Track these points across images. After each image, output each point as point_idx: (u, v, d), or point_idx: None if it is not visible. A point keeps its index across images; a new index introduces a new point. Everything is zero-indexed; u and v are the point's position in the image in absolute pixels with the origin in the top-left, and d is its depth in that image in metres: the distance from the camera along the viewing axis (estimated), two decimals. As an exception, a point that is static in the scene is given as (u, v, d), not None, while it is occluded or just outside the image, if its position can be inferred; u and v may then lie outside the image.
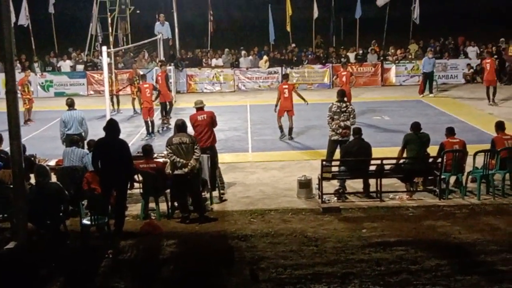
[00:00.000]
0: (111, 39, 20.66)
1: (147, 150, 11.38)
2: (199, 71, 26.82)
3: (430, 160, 12.07)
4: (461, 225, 10.20)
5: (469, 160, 11.89)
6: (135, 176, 11.10)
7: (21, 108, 16.85)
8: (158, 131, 18.47)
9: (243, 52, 27.73)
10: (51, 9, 28.50)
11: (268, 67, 26.61)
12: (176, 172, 10.67)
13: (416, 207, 11.26)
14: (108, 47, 17.55)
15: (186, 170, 10.57)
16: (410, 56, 27.52)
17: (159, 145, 14.86)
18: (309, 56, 28.09)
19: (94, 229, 10.00)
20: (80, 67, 27.12)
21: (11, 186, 9.61)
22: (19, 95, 13.40)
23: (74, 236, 9.97)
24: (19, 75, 18.84)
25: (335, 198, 11.78)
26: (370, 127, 17.75)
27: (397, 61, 27.01)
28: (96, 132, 13.64)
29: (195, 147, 10.71)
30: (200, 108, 12.33)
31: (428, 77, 23.88)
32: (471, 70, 26.72)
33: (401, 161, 12.05)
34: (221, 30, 35.28)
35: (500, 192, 11.74)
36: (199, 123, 12.09)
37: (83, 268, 8.85)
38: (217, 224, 10.62)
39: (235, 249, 9.45)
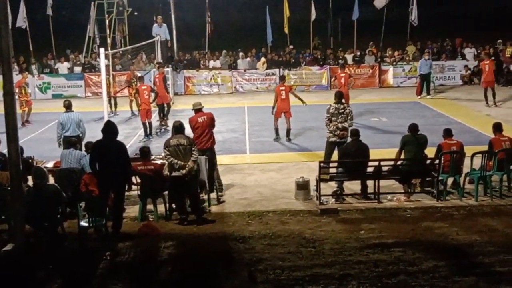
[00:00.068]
0: (108, 41, 20.66)
1: (145, 152, 11.37)
2: (197, 73, 26.82)
3: (428, 161, 12.08)
4: (458, 227, 10.21)
5: (467, 161, 11.92)
6: (133, 178, 11.09)
7: (18, 110, 16.91)
8: (156, 133, 18.46)
9: (240, 54, 27.76)
10: (49, 11, 28.47)
11: (266, 69, 26.62)
12: (173, 174, 10.67)
13: (414, 208, 11.26)
14: (106, 49, 17.53)
15: (183, 172, 10.58)
16: (407, 58, 27.57)
17: (157, 147, 14.85)
18: (307, 57, 28.13)
19: (92, 231, 9.99)
20: (77, 69, 27.11)
21: (9, 188, 9.59)
22: (16, 97, 13.39)
23: (72, 238, 9.95)
24: (16, 77, 18.80)
25: (333, 200, 11.78)
26: (367, 129, 17.76)
27: (394, 63, 27.04)
28: (94, 134, 13.63)
29: (193, 148, 10.71)
30: (199, 110, 12.31)
31: (425, 79, 23.91)
32: (469, 72, 26.77)
33: (399, 162, 12.06)
34: (219, 31, 35.26)
35: (497, 194, 11.76)
36: (200, 124, 12.08)
37: (81, 270, 8.84)
38: (215, 225, 10.62)
39: (233, 251, 9.45)
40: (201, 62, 27.95)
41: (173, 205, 11.12)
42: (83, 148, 12.48)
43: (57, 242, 9.68)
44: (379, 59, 27.37)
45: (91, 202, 10.07)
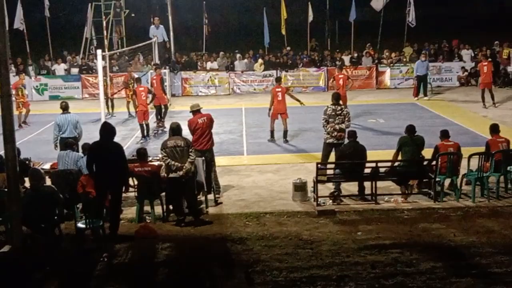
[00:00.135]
0: (106, 42, 20.66)
1: (142, 154, 11.36)
2: (194, 74, 26.83)
3: (425, 162, 12.09)
4: (456, 228, 10.22)
5: (464, 162, 11.92)
6: (130, 180, 11.08)
7: (15, 111, 16.88)
8: (153, 134, 18.44)
9: (238, 55, 27.78)
10: (46, 13, 28.45)
11: (263, 70, 26.64)
12: (171, 175, 10.66)
13: (411, 209, 11.27)
14: (103, 51, 17.51)
15: (181, 173, 10.57)
16: (404, 59, 27.60)
17: (154, 148, 14.87)
18: (304, 59, 28.14)
19: (89, 233, 9.97)
20: (74, 70, 27.09)
21: (6, 189, 9.57)
22: (13, 98, 13.36)
23: (69, 239, 9.94)
24: (13, 79, 18.78)
25: (330, 201, 11.78)
26: (365, 130, 17.78)
27: (391, 64, 27.09)
28: (91, 135, 13.64)
29: (190, 150, 10.71)
30: (197, 111, 12.30)
31: (422, 80, 23.94)
32: (465, 73, 26.82)
33: (396, 163, 12.07)
34: (216, 33, 35.27)
35: (494, 195, 11.77)
36: (200, 126, 12.07)
37: (78, 272, 8.83)
38: (212, 227, 10.61)
39: (230, 252, 9.45)
40: (199, 63, 27.95)
41: (170, 207, 11.11)
42: (80, 150, 12.48)
43: (54, 244, 9.67)
44: (376, 61, 27.41)
45: (88, 204, 10.05)
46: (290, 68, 26.92)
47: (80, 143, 12.98)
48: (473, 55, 27.69)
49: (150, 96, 18.46)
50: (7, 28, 9.59)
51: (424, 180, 12.06)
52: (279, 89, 17.10)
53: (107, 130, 10.25)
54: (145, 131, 17.87)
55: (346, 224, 10.60)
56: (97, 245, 9.76)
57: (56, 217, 9.77)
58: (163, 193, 11.12)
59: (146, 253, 9.57)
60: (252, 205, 11.73)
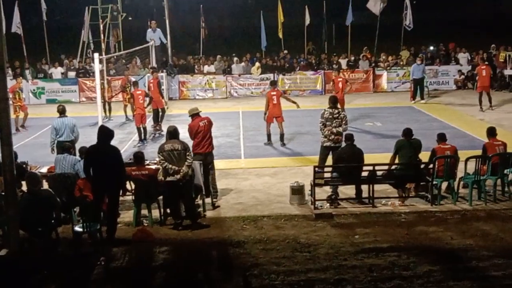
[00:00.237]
0: (103, 46, 20.68)
1: (139, 157, 11.35)
2: (191, 78, 26.84)
3: (422, 166, 12.10)
4: (453, 231, 10.23)
5: (461, 166, 11.94)
6: (127, 183, 11.07)
7: (12, 115, 16.86)
8: (151, 137, 18.43)
9: (235, 59, 27.79)
10: (43, 16, 28.44)
11: (260, 74, 26.65)
12: (168, 179, 10.66)
13: (408, 213, 11.28)
14: (100, 54, 17.51)
15: (178, 176, 10.57)
16: (401, 63, 27.64)
17: (152, 152, 14.83)
18: (301, 62, 28.17)
19: (86, 236, 9.97)
20: (71, 74, 27.08)
21: (3, 193, 9.56)
22: (10, 102, 13.37)
23: (66, 243, 9.93)
24: (10, 82, 18.78)
25: (328, 204, 11.78)
26: (362, 133, 17.80)
27: (388, 68, 27.12)
28: (89, 139, 13.63)
29: (187, 153, 10.70)
30: (197, 114, 12.28)
31: (418, 84, 24.00)
32: (462, 76, 26.87)
33: (393, 167, 12.07)
34: (213, 36, 35.32)
35: (491, 198, 11.78)
36: (202, 129, 12.06)
37: (75, 276, 8.82)
38: (210, 230, 10.60)
39: (228, 256, 9.45)
40: (196, 67, 27.97)
41: (168, 210, 11.11)
42: (77, 153, 12.46)
43: (51, 247, 9.65)
44: (373, 64, 27.44)
45: (85, 207, 10.05)
46: (287, 72, 26.95)
47: (77, 147, 12.95)
48: (469, 58, 27.76)
49: (147, 99, 18.47)
50: (4, 32, 9.59)
51: (421, 183, 12.07)
52: (274, 93, 17.12)
53: (105, 134, 10.24)
54: (143, 135, 17.86)
55: (344, 227, 10.61)
56: (94, 248, 9.75)
57: (53, 221, 9.75)
58: (161, 197, 11.11)
59: (144, 257, 9.57)
60: (249, 208, 11.73)
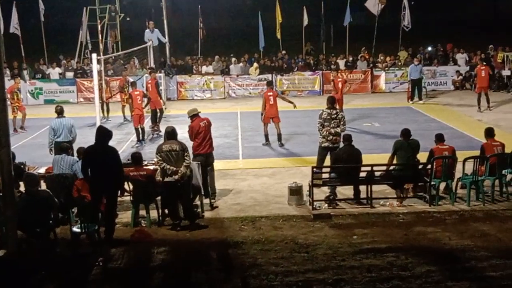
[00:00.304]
0: (101, 46, 20.68)
1: (136, 158, 11.33)
2: (189, 78, 26.84)
3: (420, 166, 12.11)
4: (451, 231, 10.23)
5: (459, 166, 11.94)
6: (125, 184, 11.06)
7: (10, 116, 16.83)
8: (149, 138, 18.41)
9: (233, 59, 27.80)
10: (41, 17, 28.42)
11: (259, 74, 26.65)
12: (166, 179, 10.65)
13: (407, 213, 11.28)
14: (98, 55, 17.50)
15: (176, 177, 10.56)
16: (399, 63, 27.66)
17: (150, 152, 14.84)
18: (299, 63, 28.18)
19: (84, 237, 9.95)
20: (69, 74, 27.05)
21: (0, 194, 9.54)
22: (8, 102, 13.34)
23: (64, 244, 9.91)
24: (8, 82, 18.75)
25: (326, 205, 11.79)
26: (360, 134, 17.80)
27: (386, 68, 27.14)
28: (87, 139, 13.62)
29: (185, 154, 10.69)
30: (196, 115, 12.27)
31: (416, 84, 24.02)
32: (460, 77, 26.91)
33: (391, 167, 12.08)
34: (212, 37, 35.29)
35: (489, 198, 11.80)
36: (202, 129, 12.06)
37: (73, 276, 8.81)
38: (208, 231, 10.60)
39: (226, 256, 9.44)
40: (194, 67, 27.97)
41: (166, 211, 11.10)
42: (75, 154, 12.45)
43: (49, 248, 9.64)
44: (371, 65, 27.46)
45: (83, 208, 10.03)
46: (285, 72, 26.96)
47: (75, 147, 12.94)
48: (467, 59, 27.80)
49: (145, 100, 18.46)
50: (2, 32, 9.58)
51: (419, 183, 12.08)
52: (271, 93, 17.15)
53: (103, 134, 10.23)
54: (141, 135, 17.85)
55: (342, 228, 10.61)
56: (92, 249, 9.73)
57: (51, 222, 9.74)
58: (159, 197, 11.10)
59: (142, 257, 9.56)
60: (247, 209, 11.73)
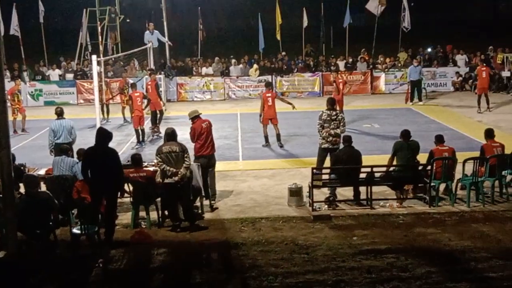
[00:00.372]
0: (101, 48, 20.71)
1: (136, 159, 11.33)
2: (189, 80, 26.85)
3: (420, 167, 12.11)
4: (451, 232, 10.24)
5: (459, 167, 11.95)
6: (125, 185, 11.06)
7: (10, 117, 16.84)
8: (149, 139, 18.42)
9: (233, 61, 27.83)
10: (41, 19, 28.45)
11: (258, 76, 26.66)
12: (166, 180, 10.65)
13: (407, 214, 11.28)
14: (98, 56, 17.50)
15: (176, 178, 10.56)
16: (399, 64, 27.68)
17: (150, 154, 14.85)
18: (299, 64, 28.20)
19: (84, 238, 9.94)
20: (69, 76, 27.07)
21: (0, 195, 9.54)
22: (8, 104, 13.35)
23: (64, 245, 9.91)
24: (8, 84, 18.75)
25: (326, 206, 11.78)
26: (360, 135, 17.81)
27: (386, 69, 27.15)
28: (87, 141, 13.62)
29: (185, 155, 10.69)
30: (197, 117, 12.25)
31: (415, 85, 24.02)
32: (460, 78, 26.92)
33: (391, 168, 12.08)
34: (211, 38, 35.34)
35: (489, 199, 11.79)
36: (205, 130, 12.04)
37: (73, 278, 8.81)
38: (208, 232, 10.60)
39: (226, 258, 9.45)
40: (194, 69, 27.99)
41: (166, 212, 11.10)
42: (75, 155, 12.45)
43: (49, 250, 9.64)
44: (371, 66, 27.48)
45: (83, 209, 10.03)
46: (285, 74, 26.97)
47: (75, 149, 12.94)
48: (467, 60, 27.81)
49: (145, 101, 18.48)
50: (2, 34, 9.59)
51: (419, 185, 12.08)
52: (269, 94, 17.16)
53: (103, 135, 10.23)
54: (141, 137, 17.85)
55: (342, 229, 10.60)
56: (92, 251, 9.73)
57: (51, 223, 9.74)
58: (159, 199, 11.11)
59: (142, 259, 9.56)
60: (247, 210, 11.73)
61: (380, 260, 9.01)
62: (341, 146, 12.46)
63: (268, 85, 18.40)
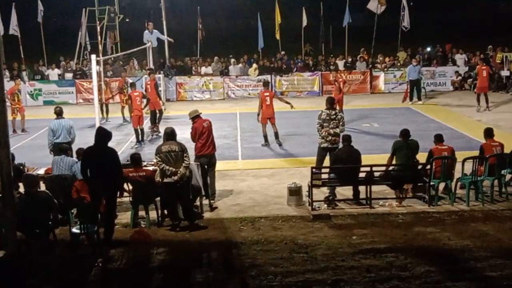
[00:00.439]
0: (100, 47, 20.71)
1: (135, 159, 11.33)
2: (188, 79, 26.85)
3: (419, 167, 12.11)
4: (450, 232, 10.24)
5: (458, 166, 11.95)
6: (125, 185, 11.06)
7: (9, 117, 16.84)
8: (148, 139, 18.41)
9: (232, 60, 27.83)
10: (40, 18, 28.45)
11: (258, 75, 26.66)
12: (165, 180, 10.65)
13: (406, 213, 11.28)
14: (97, 56, 17.50)
15: (175, 178, 10.56)
16: (398, 64, 27.68)
17: (149, 153, 14.85)
18: (298, 64, 28.20)
19: (84, 238, 9.95)
20: (68, 76, 27.07)
21: (0, 195, 9.55)
22: (8, 104, 13.35)
23: (64, 245, 9.91)
24: (7, 84, 18.75)
25: (325, 205, 11.79)
26: (359, 134, 17.81)
27: (386, 69, 27.15)
28: (86, 140, 13.62)
29: (185, 155, 10.69)
30: (198, 116, 12.26)
31: (414, 85, 24.03)
32: (459, 78, 26.93)
33: (391, 168, 12.08)
34: (211, 38, 35.31)
35: (488, 199, 11.80)
36: (206, 129, 12.06)
37: (73, 277, 8.80)
38: (207, 232, 10.60)
39: (225, 257, 9.45)
40: (193, 68, 27.98)
41: (165, 212, 11.10)
42: (74, 155, 12.45)
43: (48, 249, 9.64)
44: (370, 65, 27.48)
45: (83, 209, 10.03)
46: (285, 73, 26.98)
47: (74, 148, 12.95)
48: (466, 59, 27.83)
49: (144, 101, 18.48)
50: (1, 34, 9.59)
51: (419, 184, 12.08)
52: (267, 94, 17.19)
53: (102, 135, 10.22)
54: (140, 136, 17.85)
55: (341, 228, 10.61)
56: (91, 250, 9.73)
57: (50, 223, 9.75)
58: (158, 198, 11.11)
59: (141, 258, 9.56)
60: (247, 209, 11.73)
61: (380, 259, 9.01)
62: (341, 145, 12.46)
63: (266, 84, 18.41)
